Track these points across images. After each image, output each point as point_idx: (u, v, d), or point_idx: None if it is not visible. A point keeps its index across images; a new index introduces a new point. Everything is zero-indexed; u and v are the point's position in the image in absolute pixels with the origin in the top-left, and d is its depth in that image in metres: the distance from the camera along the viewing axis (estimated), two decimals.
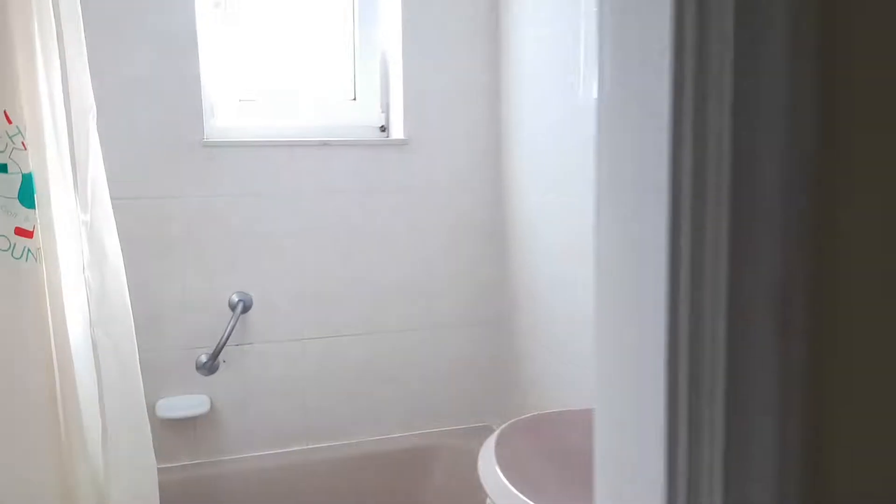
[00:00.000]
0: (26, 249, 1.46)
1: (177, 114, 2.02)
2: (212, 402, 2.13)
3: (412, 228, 2.26)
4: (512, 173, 2.23)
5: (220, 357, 2.09)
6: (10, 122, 1.41)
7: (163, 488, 1.73)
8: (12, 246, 1.45)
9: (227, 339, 2.06)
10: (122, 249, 1.65)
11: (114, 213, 1.64)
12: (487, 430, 2.32)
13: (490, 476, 1.19)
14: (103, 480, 1.57)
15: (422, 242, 2.28)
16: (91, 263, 1.59)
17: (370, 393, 2.30)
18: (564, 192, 1.93)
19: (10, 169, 1.42)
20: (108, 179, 1.62)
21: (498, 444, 1.27)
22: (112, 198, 1.64)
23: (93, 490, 1.55)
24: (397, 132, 2.26)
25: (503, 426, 1.35)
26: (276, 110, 2.23)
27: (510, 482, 1.14)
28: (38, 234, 1.47)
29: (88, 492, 1.53)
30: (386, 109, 2.31)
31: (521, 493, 1.10)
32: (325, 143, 2.16)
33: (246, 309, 2.13)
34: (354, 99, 2.31)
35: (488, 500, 1.85)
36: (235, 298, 2.13)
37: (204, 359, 2.10)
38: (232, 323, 2.07)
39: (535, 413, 1.43)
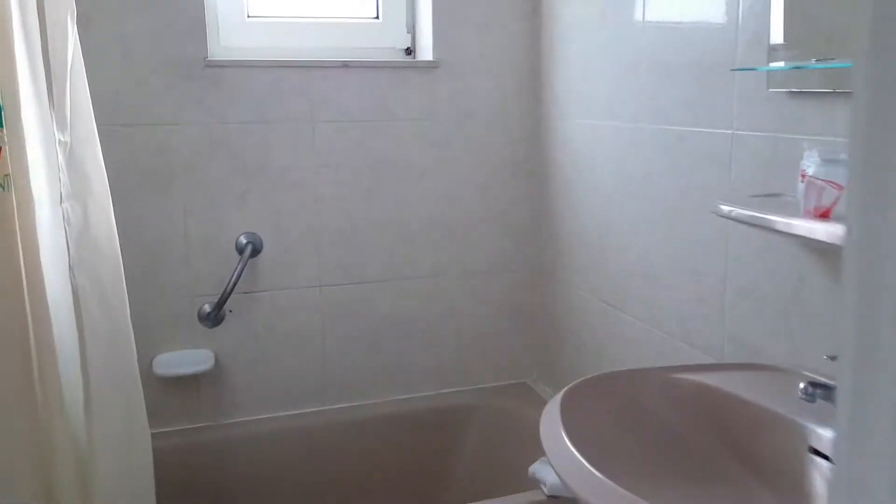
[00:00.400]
0: None
1: (175, 28, 1.88)
2: (216, 358, 2.03)
3: (442, 162, 2.13)
4: (554, 99, 2.07)
5: (226, 307, 2.00)
6: None
7: (159, 456, 1.64)
8: None
9: (234, 285, 1.96)
10: (112, 183, 1.53)
11: (103, 142, 1.52)
12: (526, 389, 2.25)
13: (556, 444, 1.05)
14: (86, 448, 1.43)
15: (453, 178, 2.15)
16: (70, 193, 1.46)
17: (396, 347, 2.19)
18: (617, 120, 1.77)
19: None
20: (96, 103, 1.51)
21: (563, 407, 1.12)
22: (100, 124, 1.53)
23: (73, 459, 1.41)
24: (425, 54, 2.13)
25: (568, 387, 1.19)
26: (289, 28, 2.08)
27: (578, 452, 1.01)
28: (7, 157, 1.33)
29: (67, 461, 1.39)
30: (412, 30, 2.19)
31: (592, 464, 0.97)
32: (344, 65, 2.03)
33: (255, 252, 2.02)
34: (377, 17, 2.17)
35: (531, 470, 1.66)
36: (243, 240, 2.01)
37: (208, 309, 2.00)
38: (239, 268, 1.96)
39: (602, 373, 1.27)
